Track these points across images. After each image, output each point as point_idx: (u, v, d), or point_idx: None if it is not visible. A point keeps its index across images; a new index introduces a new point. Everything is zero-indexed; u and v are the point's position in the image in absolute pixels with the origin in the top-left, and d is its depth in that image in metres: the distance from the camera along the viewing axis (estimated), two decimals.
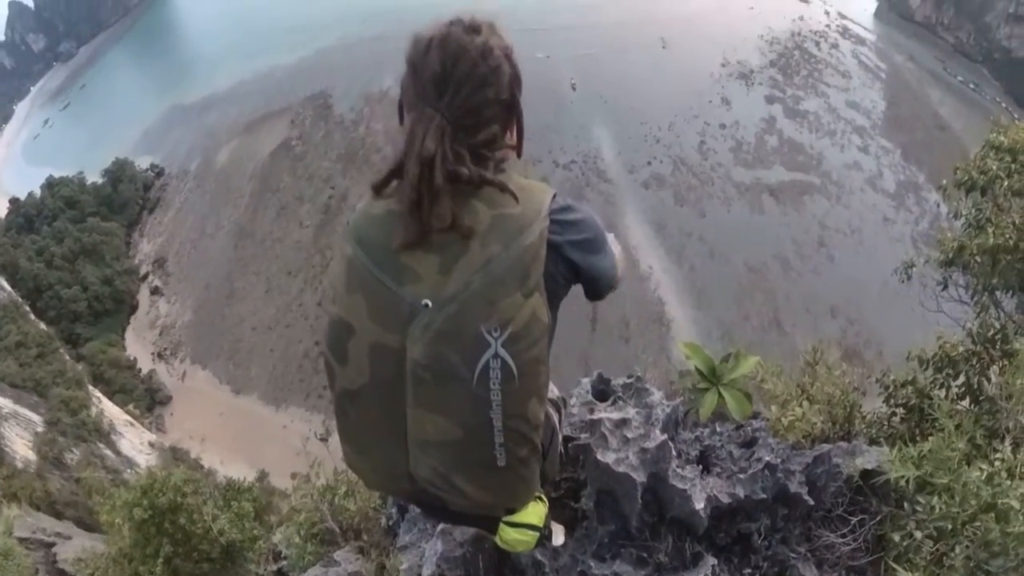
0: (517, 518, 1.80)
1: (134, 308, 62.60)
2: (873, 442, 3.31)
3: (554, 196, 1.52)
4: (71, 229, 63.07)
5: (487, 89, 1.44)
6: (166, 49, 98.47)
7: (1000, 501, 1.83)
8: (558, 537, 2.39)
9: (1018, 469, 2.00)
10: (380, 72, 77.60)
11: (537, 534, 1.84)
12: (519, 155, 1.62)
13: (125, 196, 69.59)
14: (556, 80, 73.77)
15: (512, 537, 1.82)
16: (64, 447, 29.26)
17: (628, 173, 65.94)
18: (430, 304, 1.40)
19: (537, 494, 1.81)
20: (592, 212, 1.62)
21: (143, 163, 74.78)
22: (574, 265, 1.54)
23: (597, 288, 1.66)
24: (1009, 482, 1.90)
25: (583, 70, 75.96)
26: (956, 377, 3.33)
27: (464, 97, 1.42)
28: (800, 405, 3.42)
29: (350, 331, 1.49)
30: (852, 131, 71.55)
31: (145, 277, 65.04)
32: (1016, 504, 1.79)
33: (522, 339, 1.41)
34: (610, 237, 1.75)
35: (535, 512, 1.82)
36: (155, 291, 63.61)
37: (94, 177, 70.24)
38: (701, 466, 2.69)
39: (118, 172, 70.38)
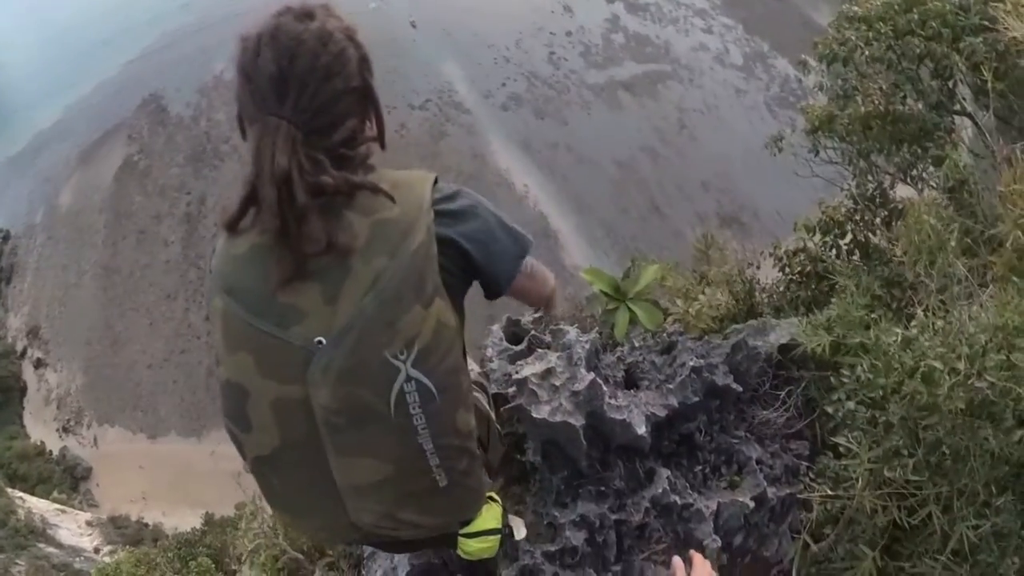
0: (474, 527, 1.71)
1: (23, 390, 57.05)
2: (778, 311, 3.47)
3: (435, 183, 1.36)
4: None
5: (334, 80, 1.25)
6: None
7: (922, 364, 1.87)
8: (519, 531, 2.30)
9: (930, 325, 2.06)
10: (209, 58, 72.07)
11: (498, 537, 1.76)
12: (383, 146, 1.42)
13: None
14: (393, 23, 71.12)
15: (474, 548, 1.73)
16: (8, 562, 27.23)
17: (484, 99, 65.15)
18: (324, 341, 1.24)
19: (488, 495, 1.73)
20: (480, 198, 1.46)
21: None
22: (468, 257, 1.39)
23: (497, 281, 1.50)
24: (926, 343, 1.93)
25: (421, 6, 73.94)
26: (843, 236, 3.51)
27: (310, 96, 1.23)
28: (703, 292, 3.52)
29: (244, 394, 1.31)
30: (694, 15, 73.22)
31: (23, 353, 59.57)
32: (938, 365, 1.83)
33: (433, 353, 1.28)
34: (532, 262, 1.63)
35: (492, 515, 1.74)
36: (39, 364, 58.19)
37: None
38: (630, 386, 2.72)
39: None
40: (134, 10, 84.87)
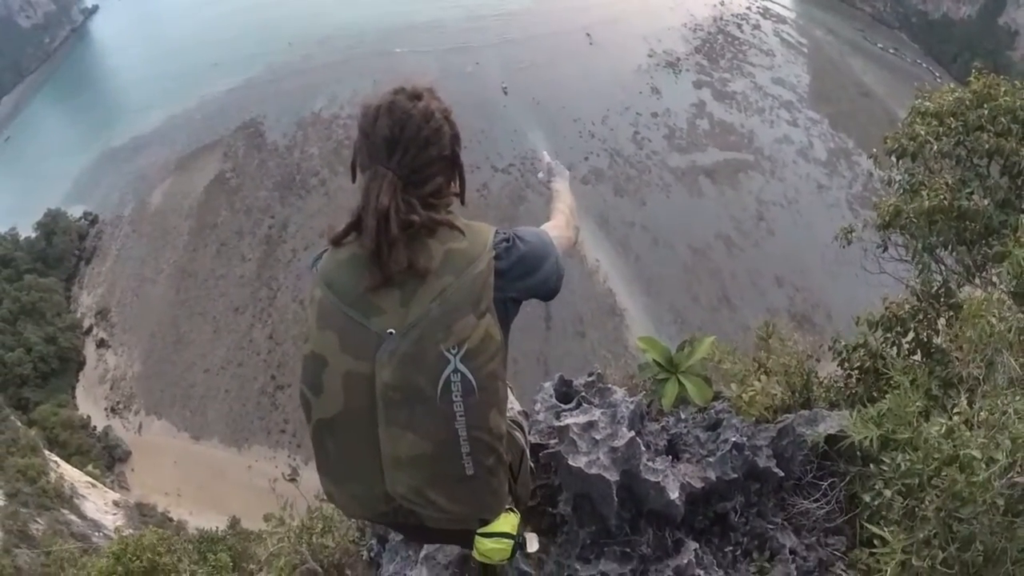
0: (491, 528, 1.88)
1: (81, 364, 59.94)
2: (833, 406, 3.40)
3: (496, 232, 1.72)
4: (8, 289, 60.13)
5: (431, 148, 1.66)
6: (91, 93, 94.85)
7: (962, 452, 1.88)
8: (532, 544, 2.43)
9: (975, 418, 2.05)
10: (311, 96, 76.57)
11: (512, 542, 1.91)
12: (463, 202, 1.81)
13: (60, 249, 66.71)
14: (487, 87, 74.10)
15: (487, 547, 1.90)
16: (28, 518, 28.00)
17: (566, 170, 66.51)
18: (394, 332, 1.56)
19: (509, 507, 1.91)
20: (530, 230, 1.84)
21: (76, 212, 71.61)
22: (521, 288, 1.74)
23: (548, 292, 1.83)
24: (968, 433, 1.95)
25: (513, 75, 76.61)
26: (905, 334, 3.44)
27: (412, 156, 1.63)
28: (758, 380, 3.49)
29: (323, 363, 1.63)
30: (780, 107, 73.81)
31: (89, 331, 62.41)
32: (977, 454, 1.84)
33: (479, 355, 1.58)
34: (562, 184, 2.32)
35: (508, 522, 1.90)
36: (101, 344, 61.15)
37: (27, 231, 67.23)
38: (671, 455, 2.71)
39: (51, 224, 67.40)
40: (244, 42, 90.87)
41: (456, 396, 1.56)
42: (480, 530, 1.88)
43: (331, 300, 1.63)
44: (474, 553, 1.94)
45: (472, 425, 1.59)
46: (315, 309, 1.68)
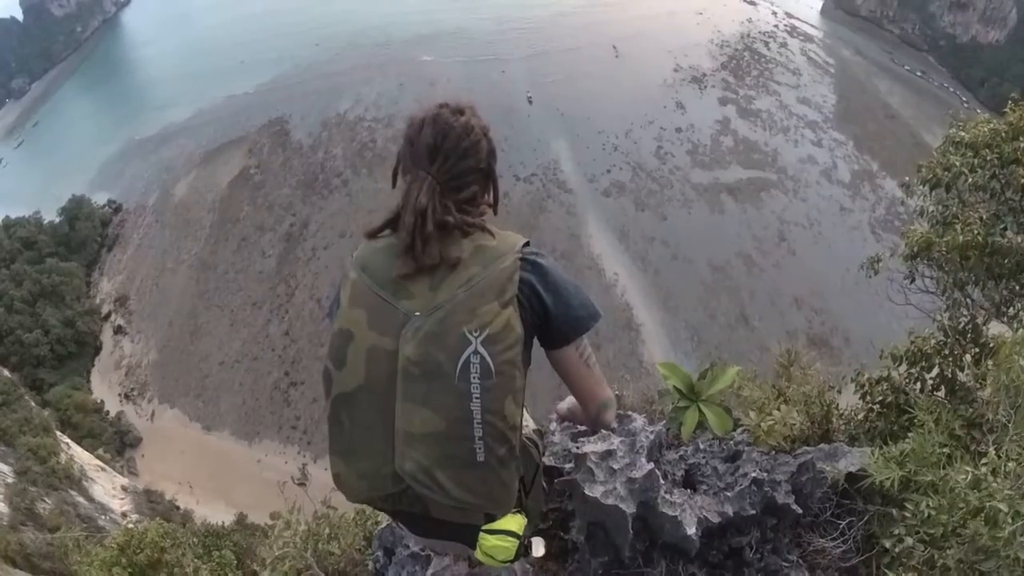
0: (496, 526, 1.86)
1: (98, 349, 60.87)
2: (853, 439, 3.33)
3: (528, 242, 1.81)
4: (30, 271, 61.28)
5: (468, 159, 1.81)
6: (119, 83, 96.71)
7: (988, 505, 1.83)
8: (538, 548, 2.38)
9: (1003, 468, 2.00)
10: (336, 97, 77.28)
11: (517, 541, 1.88)
12: (495, 212, 1.94)
13: (83, 234, 67.91)
14: (512, 96, 74.36)
15: (491, 544, 1.87)
16: (36, 497, 28.25)
17: (588, 182, 66.58)
18: (420, 314, 1.66)
19: (517, 509, 1.90)
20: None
21: (100, 199, 72.79)
22: (541, 299, 1.77)
23: (560, 325, 1.81)
24: (995, 484, 1.89)
25: (539, 85, 76.83)
26: (930, 370, 3.36)
27: (451, 164, 1.78)
28: (778, 409, 3.42)
29: (350, 338, 1.73)
30: (805, 126, 73.43)
31: (107, 317, 63.29)
32: (1004, 507, 1.79)
33: (499, 341, 1.65)
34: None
35: (514, 521, 1.89)
36: (118, 330, 61.96)
37: (51, 216, 68.37)
38: (688, 486, 2.67)
39: (75, 210, 68.70)
40: (272, 42, 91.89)
41: (474, 377, 1.62)
42: (485, 526, 1.86)
43: (364, 281, 1.75)
44: (477, 552, 1.91)
45: (487, 408, 1.64)
46: (348, 289, 1.79)
